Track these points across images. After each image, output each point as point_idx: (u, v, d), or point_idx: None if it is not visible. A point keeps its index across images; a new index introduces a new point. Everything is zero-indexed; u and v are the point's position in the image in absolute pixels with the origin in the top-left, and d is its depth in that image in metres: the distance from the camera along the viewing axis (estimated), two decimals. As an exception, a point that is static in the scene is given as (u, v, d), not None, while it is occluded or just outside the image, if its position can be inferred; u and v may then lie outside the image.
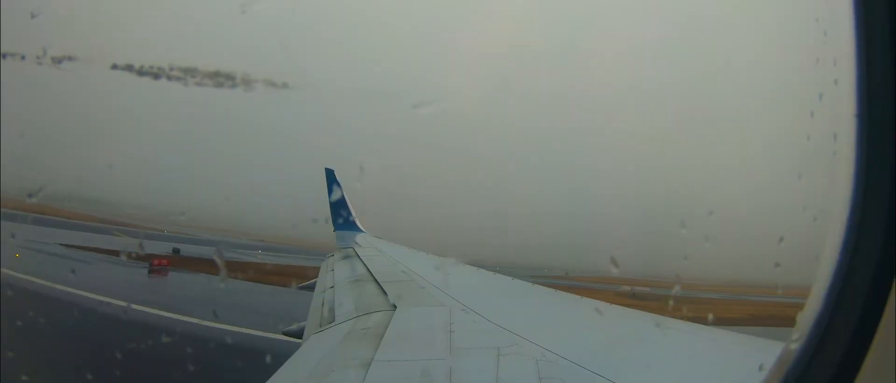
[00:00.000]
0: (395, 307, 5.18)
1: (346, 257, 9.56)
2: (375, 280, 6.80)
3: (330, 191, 13.84)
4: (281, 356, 4.19)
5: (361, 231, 13.18)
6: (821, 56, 1.77)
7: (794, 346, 1.73)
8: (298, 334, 5.69)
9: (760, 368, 2.17)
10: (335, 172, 14.22)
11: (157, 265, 28.07)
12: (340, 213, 13.43)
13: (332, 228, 13.25)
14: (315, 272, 9.15)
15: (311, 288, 7.79)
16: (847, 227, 1.60)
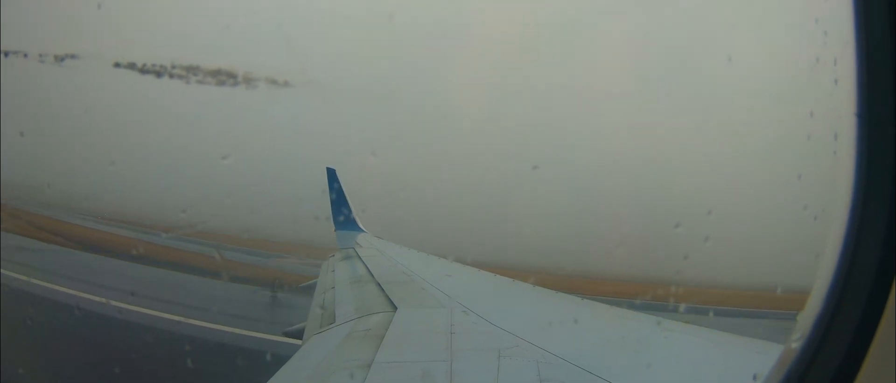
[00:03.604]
0: (396, 308, 5.18)
1: (347, 257, 9.56)
2: (376, 281, 6.80)
3: (331, 191, 13.85)
4: (281, 356, 4.20)
5: (362, 231, 13.18)
6: (821, 56, 1.77)
7: (795, 346, 1.73)
8: (299, 335, 5.69)
9: (755, 378, 2.18)
10: (336, 172, 14.23)
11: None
12: (341, 213, 13.45)
13: (333, 228, 13.26)
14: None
15: (312, 288, 7.79)
16: (848, 227, 1.60)
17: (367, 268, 7.93)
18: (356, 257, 9.31)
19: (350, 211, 13.64)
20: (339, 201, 13.63)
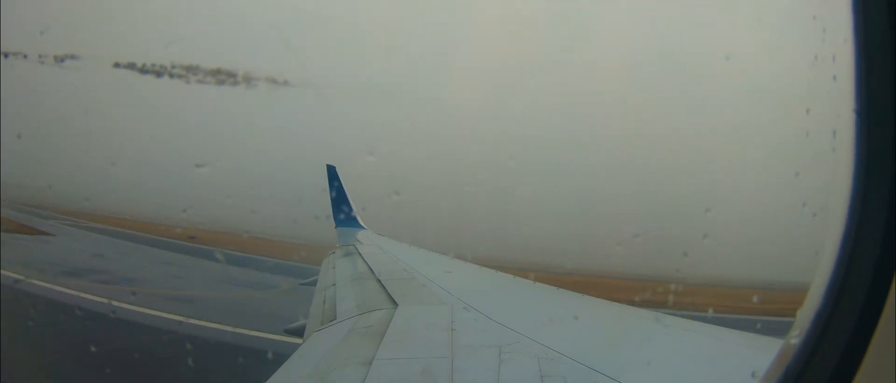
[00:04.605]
0: (397, 305, 5.19)
1: (348, 254, 9.56)
2: (377, 277, 6.81)
3: (331, 188, 13.84)
4: (282, 355, 4.21)
5: (363, 228, 13.17)
6: (819, 53, 1.77)
7: (794, 342, 1.74)
8: (299, 332, 5.70)
9: (753, 375, 2.19)
10: (336, 169, 14.22)
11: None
12: (342, 210, 13.44)
13: (334, 225, 13.26)
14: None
15: (313, 285, 7.80)
16: (847, 224, 1.61)
17: (368, 264, 7.94)
18: (357, 254, 9.31)
19: (350, 208, 13.63)
20: (339, 198, 13.62)
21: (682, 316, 4.53)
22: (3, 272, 15.30)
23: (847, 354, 1.55)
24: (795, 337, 1.74)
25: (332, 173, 14.21)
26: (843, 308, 1.60)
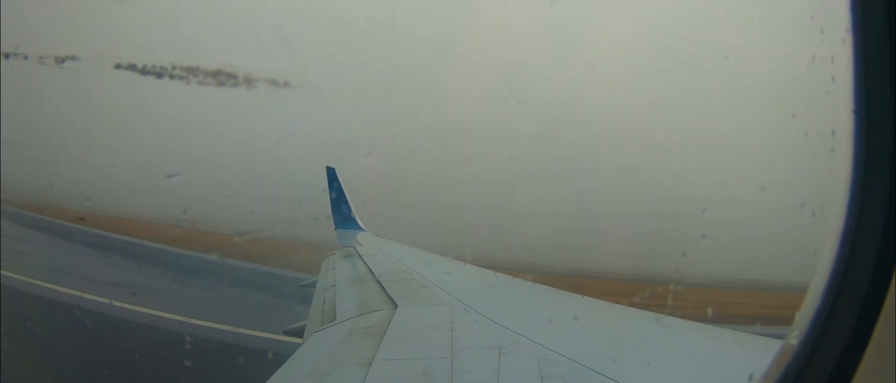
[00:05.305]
0: (397, 306, 5.20)
1: (348, 256, 9.57)
2: (376, 279, 6.81)
3: (331, 190, 13.84)
4: (282, 355, 4.22)
5: (362, 229, 13.16)
6: (817, 54, 1.78)
7: (794, 342, 1.74)
8: (299, 333, 5.71)
9: (750, 378, 2.19)
10: (336, 171, 14.22)
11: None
12: (341, 212, 13.44)
13: (334, 227, 13.25)
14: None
15: (313, 286, 7.80)
16: (845, 223, 1.61)
17: (368, 266, 7.94)
18: (356, 255, 9.31)
19: (350, 209, 13.62)
20: (339, 200, 13.62)
21: (682, 317, 4.53)
22: None
23: (846, 354, 1.55)
24: (794, 337, 1.74)
25: (331, 175, 14.21)
26: (842, 307, 1.60)
